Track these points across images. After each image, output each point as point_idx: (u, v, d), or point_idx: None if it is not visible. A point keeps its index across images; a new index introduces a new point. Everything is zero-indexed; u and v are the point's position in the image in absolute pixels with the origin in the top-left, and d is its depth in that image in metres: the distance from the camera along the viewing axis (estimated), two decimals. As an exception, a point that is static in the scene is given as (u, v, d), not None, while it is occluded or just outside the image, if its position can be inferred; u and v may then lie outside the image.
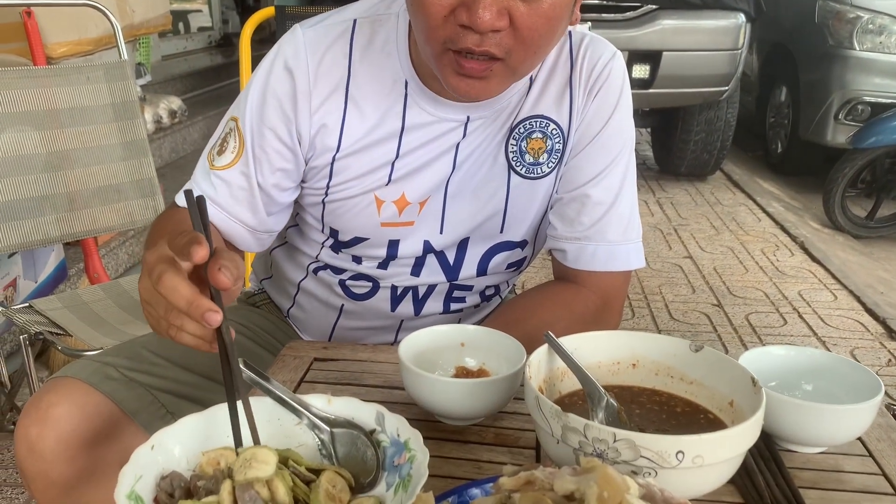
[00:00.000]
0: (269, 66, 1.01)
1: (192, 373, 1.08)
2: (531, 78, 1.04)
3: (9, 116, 1.84)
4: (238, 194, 1.02)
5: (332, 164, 1.02)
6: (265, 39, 2.86)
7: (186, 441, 0.70)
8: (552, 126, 1.05)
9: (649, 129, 5.42)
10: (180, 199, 1.03)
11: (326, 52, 1.00)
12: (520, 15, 0.85)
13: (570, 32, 1.07)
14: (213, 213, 1.01)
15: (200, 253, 0.65)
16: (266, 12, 1.76)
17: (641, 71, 4.10)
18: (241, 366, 0.75)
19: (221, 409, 0.74)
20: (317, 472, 0.70)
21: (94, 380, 0.97)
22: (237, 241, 1.05)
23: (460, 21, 0.84)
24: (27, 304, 1.79)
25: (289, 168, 1.03)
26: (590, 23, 3.87)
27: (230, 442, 0.72)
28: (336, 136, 1.01)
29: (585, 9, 3.98)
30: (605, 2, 4.01)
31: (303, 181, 1.06)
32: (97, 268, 2.36)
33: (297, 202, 1.11)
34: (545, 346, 0.81)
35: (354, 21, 1.02)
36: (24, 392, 1.90)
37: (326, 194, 1.05)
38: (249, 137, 1.01)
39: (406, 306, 1.14)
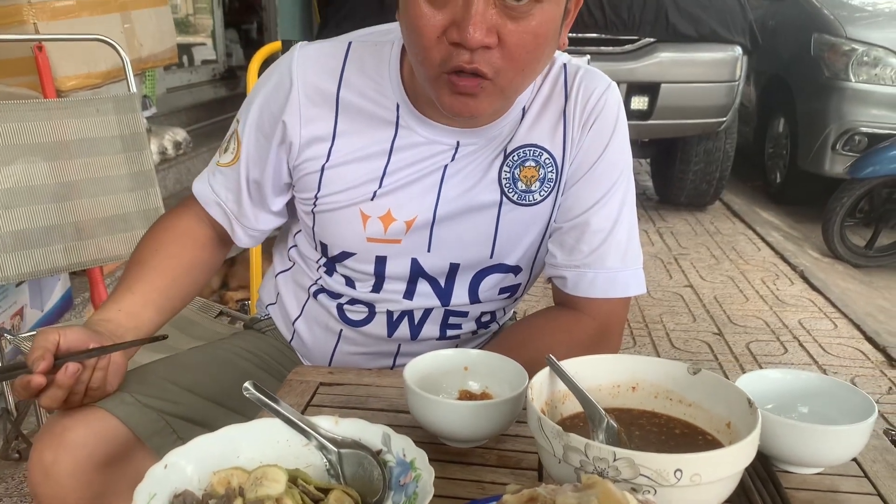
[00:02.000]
0: (266, 79, 1.11)
1: (201, 397, 1.10)
2: (524, 108, 1.08)
3: (20, 148, 1.87)
4: (234, 189, 1.15)
5: (321, 173, 1.08)
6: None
7: (198, 461, 0.72)
8: (545, 155, 1.09)
9: (649, 160, 5.48)
10: (196, 188, 1.19)
11: (319, 69, 1.07)
12: (508, 32, 0.89)
13: (565, 65, 1.10)
14: (214, 205, 1.17)
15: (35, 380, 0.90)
16: (272, 46, 1.81)
17: (640, 102, 4.15)
18: (251, 388, 0.78)
19: (232, 431, 0.76)
20: (325, 491, 0.72)
21: (108, 404, 0.99)
22: (233, 234, 1.18)
23: (451, 39, 0.89)
24: (34, 333, 1.81)
25: (278, 172, 1.12)
26: (589, 56, 3.94)
27: (241, 462, 0.74)
28: (326, 147, 1.07)
29: (585, 42, 4.08)
30: (604, 35, 4.08)
31: (297, 192, 1.13)
32: (103, 297, 2.37)
33: (295, 217, 1.19)
34: (547, 370, 0.83)
35: (350, 43, 1.09)
36: (29, 420, 1.91)
37: (315, 205, 1.10)
38: (245, 141, 1.11)
39: (403, 331, 1.17)
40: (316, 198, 1.09)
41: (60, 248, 1.92)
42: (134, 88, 2.13)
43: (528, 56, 0.92)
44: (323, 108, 1.06)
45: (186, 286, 1.15)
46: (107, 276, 2.68)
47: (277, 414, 0.77)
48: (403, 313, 1.15)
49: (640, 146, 4.94)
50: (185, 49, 5.91)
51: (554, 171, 1.09)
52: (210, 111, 5.57)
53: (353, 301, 1.16)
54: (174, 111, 4.97)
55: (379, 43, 1.08)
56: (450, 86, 0.93)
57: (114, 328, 1.03)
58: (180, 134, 4.13)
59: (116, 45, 2.13)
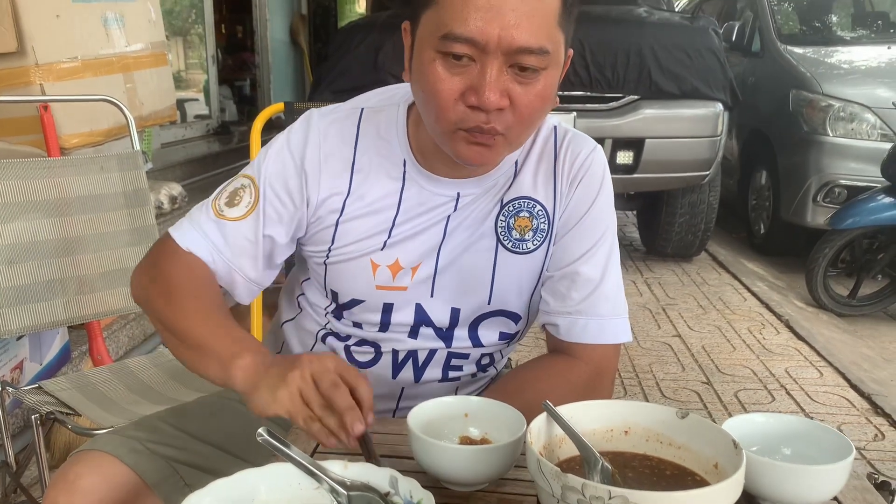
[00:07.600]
0: (286, 139, 1.16)
1: (208, 444, 1.13)
2: (516, 163, 1.17)
3: (24, 205, 1.92)
4: (244, 245, 1.13)
5: (335, 227, 1.15)
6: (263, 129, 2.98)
7: (217, 503, 0.76)
8: (538, 207, 1.17)
9: (635, 212, 5.58)
10: (180, 239, 1.13)
11: (336, 137, 1.14)
12: (518, 95, 0.99)
13: (555, 127, 1.19)
14: (217, 260, 1.13)
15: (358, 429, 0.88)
16: (276, 108, 1.89)
17: (625, 157, 4.27)
18: (265, 434, 0.82)
19: (248, 474, 0.80)
20: (337, 531, 0.76)
21: (119, 452, 1.03)
22: (233, 290, 1.16)
23: (469, 103, 0.98)
24: (36, 385, 1.84)
25: (292, 228, 1.15)
26: (575, 113, 4.07)
27: (256, 504, 0.78)
28: (341, 203, 1.14)
29: (572, 100, 4.20)
30: (589, 93, 4.21)
31: (310, 245, 1.18)
32: (101, 349, 2.41)
33: (305, 268, 1.24)
34: (544, 415, 0.88)
35: (362, 110, 1.17)
36: (29, 472, 1.92)
37: (328, 256, 1.16)
38: (263, 196, 1.13)
39: (406, 374, 1.22)
40: (329, 250, 1.16)
41: (61, 302, 1.96)
42: (137, 146, 2.20)
43: (534, 115, 1.03)
44: (340, 170, 1.14)
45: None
46: (104, 329, 2.71)
47: (290, 459, 0.81)
48: (408, 355, 1.20)
49: (627, 198, 5.04)
50: (178, 104, 5.99)
51: (546, 222, 1.17)
52: (204, 166, 5.65)
53: (360, 342, 1.21)
54: (168, 166, 5.04)
55: (387, 106, 1.17)
56: (466, 139, 1.02)
57: None
58: (176, 188, 4.18)
59: (121, 105, 2.21)
